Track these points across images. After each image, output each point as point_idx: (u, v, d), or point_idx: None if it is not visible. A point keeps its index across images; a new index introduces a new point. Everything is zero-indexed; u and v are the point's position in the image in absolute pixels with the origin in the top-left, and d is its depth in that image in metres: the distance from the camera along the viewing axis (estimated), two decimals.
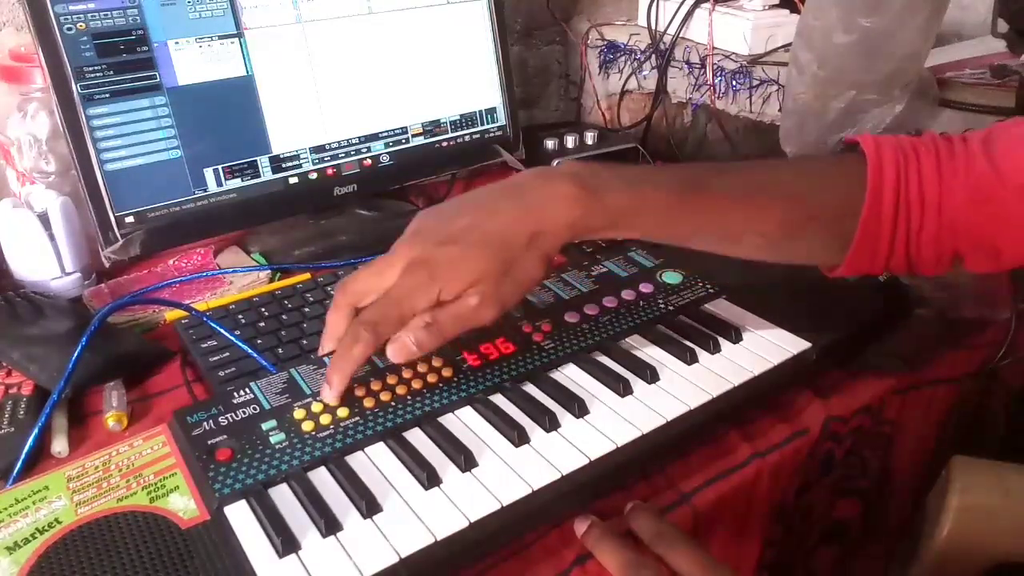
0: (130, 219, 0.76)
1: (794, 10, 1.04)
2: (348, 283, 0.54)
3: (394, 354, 0.52)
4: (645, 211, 0.54)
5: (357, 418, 0.54)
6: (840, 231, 0.55)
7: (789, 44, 0.94)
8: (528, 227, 0.52)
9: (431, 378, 0.57)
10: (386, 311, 0.52)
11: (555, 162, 1.00)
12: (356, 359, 0.52)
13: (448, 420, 0.55)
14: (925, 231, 0.54)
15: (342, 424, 0.53)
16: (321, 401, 0.55)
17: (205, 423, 0.53)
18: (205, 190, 0.80)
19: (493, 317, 0.53)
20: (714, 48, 1.06)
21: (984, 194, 0.53)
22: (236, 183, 0.81)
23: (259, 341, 0.66)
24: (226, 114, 0.80)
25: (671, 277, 0.71)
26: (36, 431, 0.57)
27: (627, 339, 0.64)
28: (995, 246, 0.54)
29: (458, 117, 0.96)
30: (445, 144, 0.96)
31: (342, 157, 0.88)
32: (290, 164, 0.85)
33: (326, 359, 0.58)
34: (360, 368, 0.53)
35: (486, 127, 0.99)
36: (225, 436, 0.52)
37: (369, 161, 0.90)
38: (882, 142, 0.56)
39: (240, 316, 0.69)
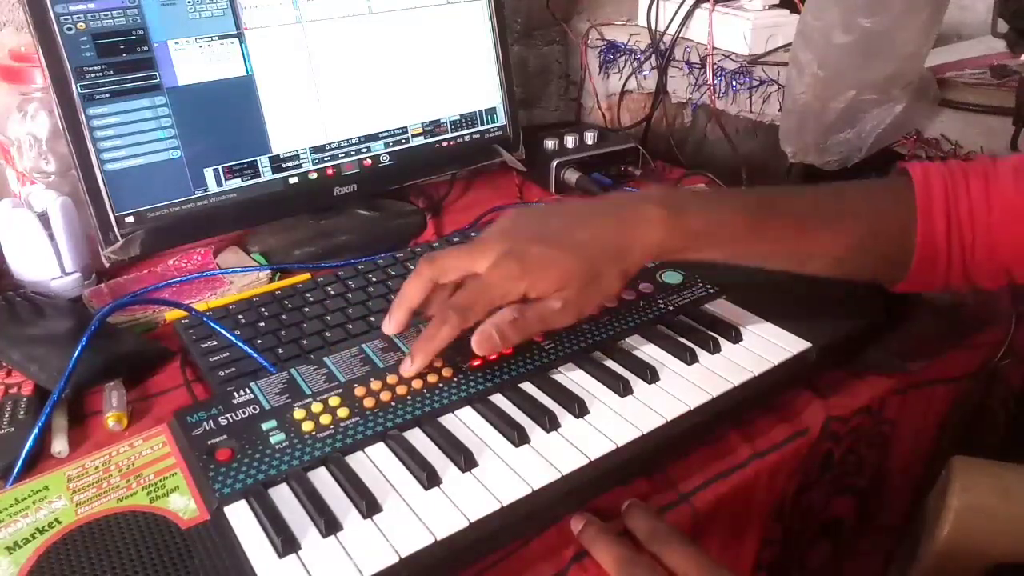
0: (130, 219, 0.76)
1: (794, 10, 1.04)
2: (436, 257, 0.56)
3: (479, 345, 0.55)
4: (723, 233, 0.58)
5: (357, 418, 0.54)
6: (902, 246, 0.58)
7: (789, 44, 0.94)
8: (617, 241, 0.56)
9: (431, 378, 0.57)
10: (477, 297, 0.55)
11: (561, 170, 1.00)
12: (443, 338, 0.55)
13: (448, 420, 0.55)
14: (978, 247, 0.57)
15: (342, 424, 0.53)
16: (396, 374, 0.57)
17: (205, 423, 0.53)
18: (205, 190, 0.80)
19: (570, 323, 0.56)
20: (714, 48, 1.06)
21: (1014, 213, 0.56)
22: (236, 183, 0.81)
23: (259, 341, 0.66)
24: (226, 114, 0.80)
25: (671, 277, 0.71)
26: (36, 431, 0.57)
27: (627, 339, 0.64)
28: None
29: (458, 117, 0.96)
30: (445, 144, 0.96)
31: (342, 157, 0.88)
32: (290, 164, 0.85)
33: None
34: (444, 349, 0.55)
35: (486, 127, 0.99)
36: (225, 436, 0.52)
37: (369, 161, 0.90)
38: (929, 166, 0.60)
39: (240, 316, 0.69)
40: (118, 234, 0.75)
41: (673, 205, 0.57)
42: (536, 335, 0.58)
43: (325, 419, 0.54)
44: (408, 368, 0.56)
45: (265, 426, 0.53)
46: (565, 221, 0.57)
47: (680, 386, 0.58)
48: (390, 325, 0.58)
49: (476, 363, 0.59)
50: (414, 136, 0.93)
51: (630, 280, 0.57)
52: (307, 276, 0.78)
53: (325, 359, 0.60)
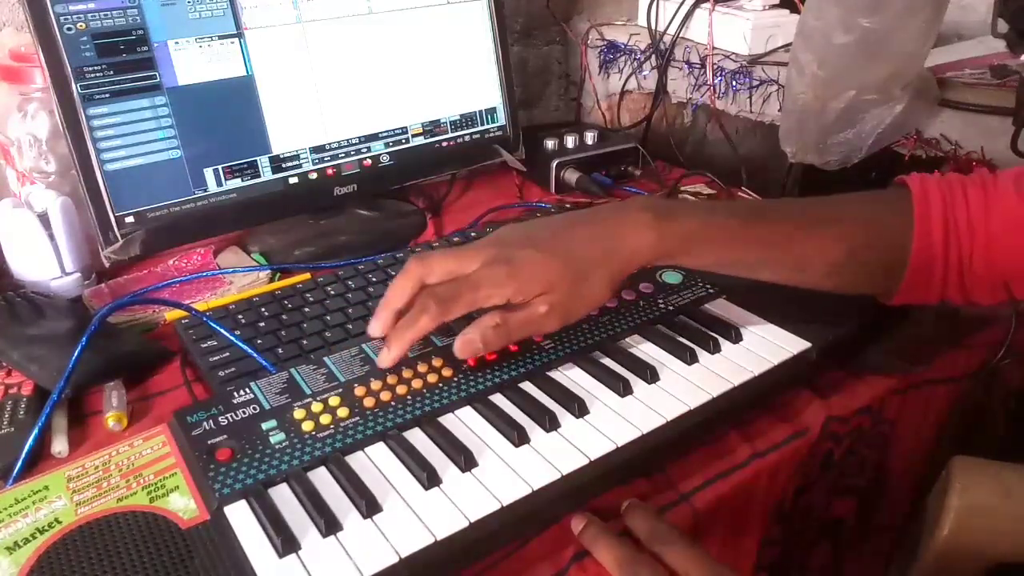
0: (130, 219, 0.76)
1: (794, 10, 1.04)
2: (425, 257, 0.56)
3: (460, 348, 0.55)
4: (716, 236, 0.57)
5: (357, 418, 0.54)
6: (898, 255, 0.58)
7: (789, 44, 0.94)
8: (603, 245, 0.56)
9: (431, 378, 0.57)
10: (460, 291, 0.54)
11: (561, 170, 1.00)
12: (421, 328, 0.54)
13: (448, 420, 0.55)
14: (976, 259, 0.57)
15: (342, 424, 0.53)
16: (375, 380, 0.57)
17: (205, 423, 0.53)
18: (205, 190, 0.80)
19: (556, 327, 0.57)
20: (714, 48, 1.06)
21: (1016, 223, 0.55)
22: (236, 183, 0.81)
23: (259, 341, 0.66)
24: (226, 114, 0.80)
25: (671, 277, 0.71)
26: (36, 431, 0.57)
27: (627, 339, 0.64)
28: None
29: (458, 117, 0.96)
30: (445, 144, 0.96)
31: (342, 157, 0.88)
32: (290, 164, 0.85)
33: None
34: (420, 339, 0.55)
35: (486, 127, 0.99)
36: (225, 436, 0.52)
37: (369, 161, 0.90)
38: (927, 178, 0.60)
39: (240, 316, 0.69)
40: (118, 234, 0.75)
41: (663, 209, 0.57)
42: (520, 339, 0.57)
43: (325, 419, 0.54)
44: (385, 357, 0.56)
45: (265, 426, 0.53)
46: (554, 229, 0.58)
47: (680, 386, 0.58)
48: (376, 326, 0.57)
49: (476, 363, 0.59)
50: (414, 136, 0.93)
51: (618, 287, 0.57)
52: (307, 276, 0.78)
53: (325, 359, 0.60)
